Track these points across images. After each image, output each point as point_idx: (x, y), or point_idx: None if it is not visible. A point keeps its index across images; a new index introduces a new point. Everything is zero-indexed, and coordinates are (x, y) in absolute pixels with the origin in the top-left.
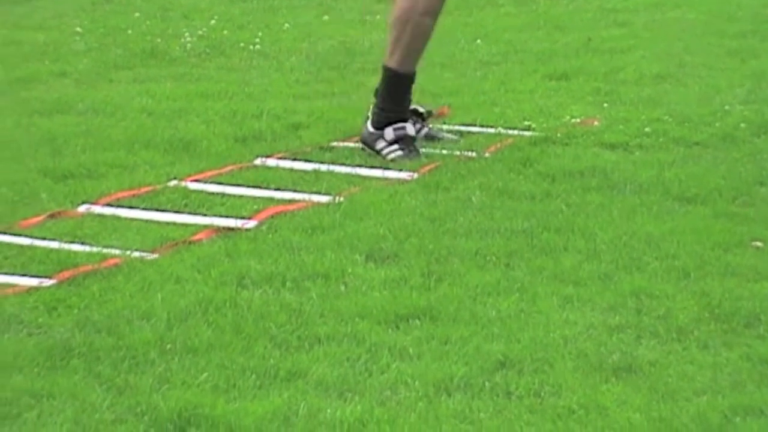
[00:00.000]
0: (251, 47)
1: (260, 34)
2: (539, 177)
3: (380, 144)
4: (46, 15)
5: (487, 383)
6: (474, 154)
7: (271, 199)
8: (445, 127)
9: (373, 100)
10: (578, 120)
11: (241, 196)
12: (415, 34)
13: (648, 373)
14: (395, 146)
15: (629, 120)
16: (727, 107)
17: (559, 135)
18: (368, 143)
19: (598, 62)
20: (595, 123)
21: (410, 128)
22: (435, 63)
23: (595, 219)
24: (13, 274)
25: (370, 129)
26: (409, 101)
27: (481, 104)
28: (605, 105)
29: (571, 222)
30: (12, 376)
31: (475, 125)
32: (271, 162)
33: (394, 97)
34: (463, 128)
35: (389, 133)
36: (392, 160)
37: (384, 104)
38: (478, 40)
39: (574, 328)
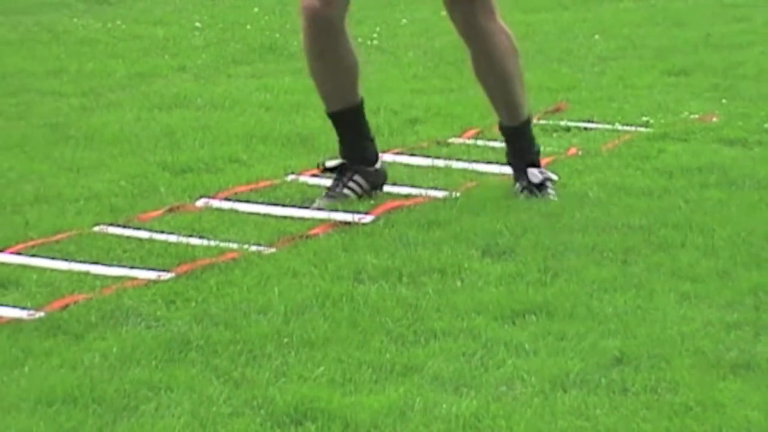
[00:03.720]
0: (369, 42)
1: (378, 29)
2: (657, 173)
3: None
4: (166, 10)
5: (603, 379)
6: (590, 150)
7: (387, 194)
8: (562, 123)
9: None
10: (696, 116)
11: None
12: None
13: (766, 370)
14: None
15: (748, 116)
16: None
17: (677, 131)
18: None
19: (717, 58)
20: (714, 119)
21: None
22: (552, 58)
23: (714, 215)
24: (132, 267)
25: None
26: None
27: (599, 100)
28: (724, 101)
29: (689, 218)
30: (130, 368)
31: (592, 121)
32: (388, 157)
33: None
34: (580, 124)
35: None
36: None
37: None
38: (596, 36)
39: (692, 325)
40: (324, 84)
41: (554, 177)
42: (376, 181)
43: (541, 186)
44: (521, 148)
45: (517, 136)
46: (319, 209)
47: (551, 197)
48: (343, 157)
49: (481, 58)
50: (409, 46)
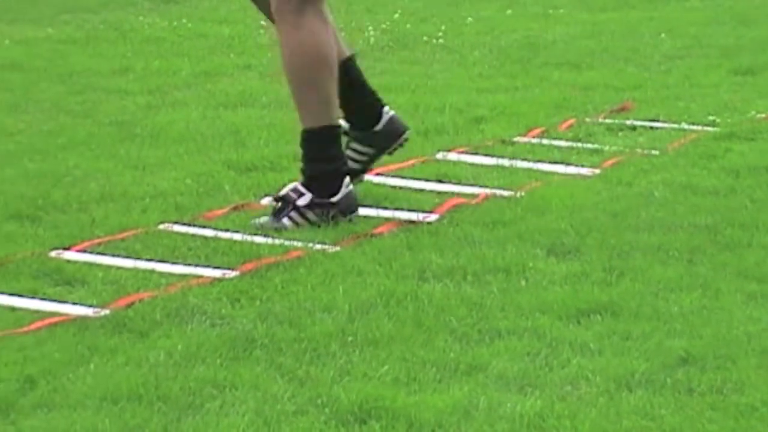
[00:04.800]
0: (434, 41)
1: (443, 27)
2: (723, 172)
3: None
4: (231, 8)
5: (668, 379)
6: (656, 150)
7: (452, 193)
8: (628, 122)
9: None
10: (764, 115)
11: (422, 190)
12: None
13: None
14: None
15: None
16: None
17: (743, 130)
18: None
19: None
20: None
21: None
22: (618, 57)
23: None
24: (197, 265)
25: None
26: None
27: (665, 99)
28: None
29: (755, 218)
30: (195, 366)
31: (658, 120)
32: (453, 156)
33: None
34: (646, 123)
35: None
36: None
37: None
38: (663, 34)
39: (758, 325)
40: None
41: (313, 218)
42: (381, 143)
43: (293, 210)
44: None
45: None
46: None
47: (286, 226)
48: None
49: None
50: (475, 44)
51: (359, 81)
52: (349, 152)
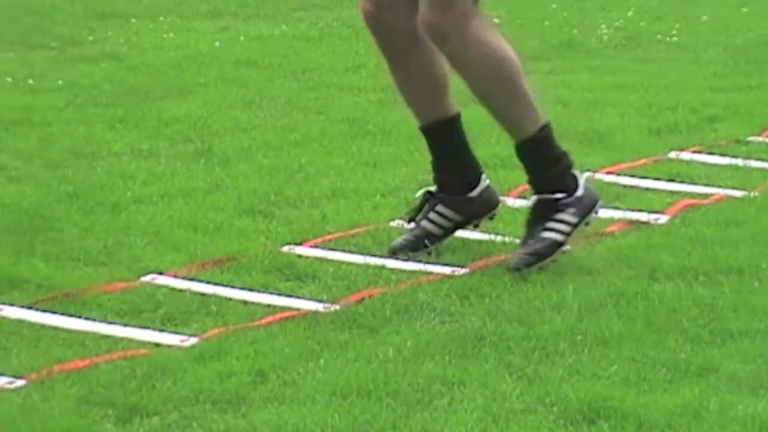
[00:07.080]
0: (668, 39)
1: (677, 25)
2: None
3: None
4: None
5: None
6: None
7: (684, 193)
8: None
9: None
10: None
11: (654, 189)
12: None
13: None
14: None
15: None
16: None
17: None
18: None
19: None
20: None
21: None
22: None
23: None
24: (427, 262)
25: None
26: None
27: None
28: None
29: None
30: (424, 363)
31: None
32: (686, 155)
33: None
34: None
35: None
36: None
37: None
38: None
39: None
40: (405, 93)
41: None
42: (472, 210)
43: None
44: None
45: None
46: (396, 255)
47: None
48: (433, 180)
49: None
50: (710, 43)
51: (463, 141)
52: (433, 215)
